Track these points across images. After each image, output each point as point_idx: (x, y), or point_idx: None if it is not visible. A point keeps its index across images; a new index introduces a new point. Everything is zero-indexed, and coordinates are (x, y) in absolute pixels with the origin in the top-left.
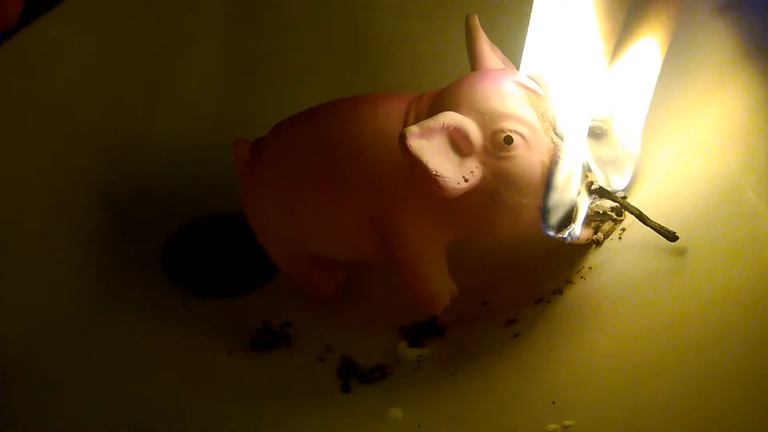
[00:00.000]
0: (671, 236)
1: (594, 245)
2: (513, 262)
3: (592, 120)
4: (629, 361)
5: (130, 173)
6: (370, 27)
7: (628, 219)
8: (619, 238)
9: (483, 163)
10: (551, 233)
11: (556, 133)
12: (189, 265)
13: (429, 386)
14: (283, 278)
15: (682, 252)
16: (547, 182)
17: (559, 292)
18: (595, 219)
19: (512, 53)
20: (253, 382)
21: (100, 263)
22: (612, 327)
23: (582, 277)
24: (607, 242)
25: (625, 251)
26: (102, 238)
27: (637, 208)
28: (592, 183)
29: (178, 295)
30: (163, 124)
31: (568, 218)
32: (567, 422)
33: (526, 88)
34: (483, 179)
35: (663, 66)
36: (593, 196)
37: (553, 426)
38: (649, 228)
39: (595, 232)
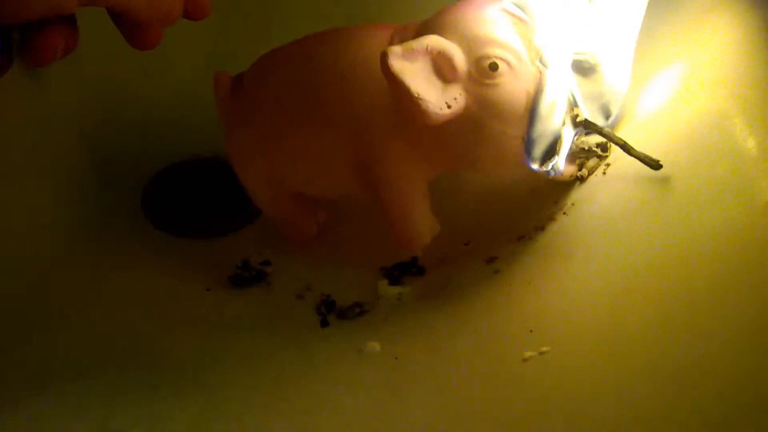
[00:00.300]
0: (655, 164)
1: (578, 182)
2: (496, 203)
3: (580, 54)
4: (608, 290)
5: (115, 119)
6: None
7: (613, 155)
8: (603, 173)
9: (467, 91)
10: (534, 166)
11: (541, 63)
12: (169, 207)
13: (408, 321)
14: (264, 221)
15: (667, 183)
16: (531, 112)
17: (540, 228)
18: (579, 156)
19: None
20: (232, 318)
21: (80, 205)
22: (592, 258)
23: (564, 213)
24: (591, 178)
25: (609, 185)
26: (84, 181)
27: (621, 139)
28: (577, 115)
29: (158, 236)
30: (150, 72)
31: (552, 150)
32: (543, 348)
33: (513, 15)
34: (466, 107)
35: None
36: (578, 129)
37: (530, 353)
38: (634, 162)
39: (580, 169)
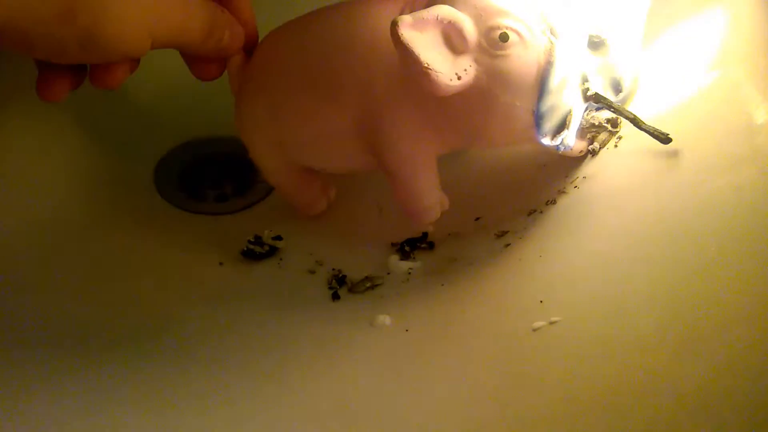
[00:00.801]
0: (664, 138)
1: (590, 155)
2: (506, 178)
3: (591, 28)
4: (619, 260)
5: (128, 97)
6: None
7: (625, 129)
8: (615, 146)
9: (477, 62)
10: (544, 140)
11: (552, 35)
12: (182, 184)
13: (418, 295)
14: (276, 198)
15: (678, 156)
16: (541, 84)
17: (552, 202)
18: (590, 131)
19: None
20: (243, 292)
21: (95, 181)
22: (603, 230)
23: (576, 186)
24: (602, 152)
25: (621, 159)
26: (97, 158)
27: (631, 112)
28: (588, 89)
29: (171, 212)
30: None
31: (562, 124)
32: (554, 319)
33: None
34: (476, 78)
35: None
36: (588, 103)
37: (540, 323)
38: (646, 135)
39: (590, 143)
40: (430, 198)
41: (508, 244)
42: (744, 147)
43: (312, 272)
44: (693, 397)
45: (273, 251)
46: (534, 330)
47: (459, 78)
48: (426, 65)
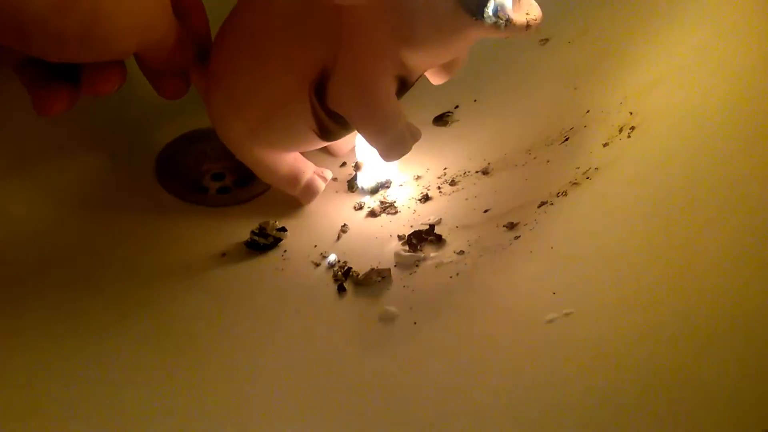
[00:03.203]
0: None
1: (603, 146)
2: (516, 172)
3: None
4: (634, 251)
5: (130, 86)
6: None
7: (639, 116)
8: (628, 136)
9: None
10: (476, 20)
11: None
12: (183, 176)
13: (426, 287)
14: (279, 190)
15: (692, 146)
16: None
17: (563, 194)
18: None
19: None
20: (247, 283)
21: (96, 172)
22: (618, 220)
23: (588, 178)
24: (616, 142)
25: (635, 148)
26: (99, 149)
27: None
28: None
29: (173, 204)
30: None
31: None
32: (567, 310)
33: None
34: None
35: None
36: None
37: (553, 315)
38: (660, 125)
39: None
40: (396, 125)
41: (518, 236)
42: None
43: (317, 265)
44: (713, 388)
45: (277, 242)
46: (548, 322)
47: None
48: None
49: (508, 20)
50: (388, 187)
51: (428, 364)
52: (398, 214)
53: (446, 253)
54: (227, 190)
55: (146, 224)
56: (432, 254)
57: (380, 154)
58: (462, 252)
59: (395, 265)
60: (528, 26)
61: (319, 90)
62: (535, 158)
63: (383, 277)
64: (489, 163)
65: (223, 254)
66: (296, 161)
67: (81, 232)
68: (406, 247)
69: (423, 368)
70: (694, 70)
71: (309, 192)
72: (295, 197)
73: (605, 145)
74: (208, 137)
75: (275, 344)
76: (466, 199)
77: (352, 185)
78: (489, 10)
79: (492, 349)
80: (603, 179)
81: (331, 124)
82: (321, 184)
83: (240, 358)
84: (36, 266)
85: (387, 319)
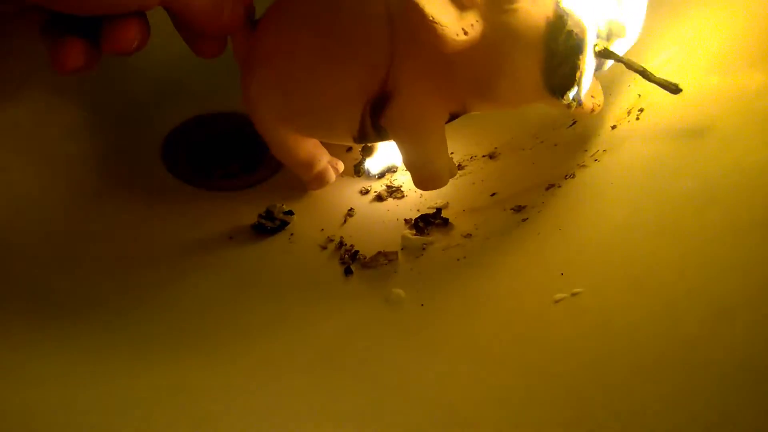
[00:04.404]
0: (674, 88)
1: (611, 129)
2: (523, 156)
3: None
4: (642, 229)
5: (134, 73)
6: None
7: (647, 100)
8: (637, 118)
9: (484, 17)
10: (554, 97)
11: None
12: (190, 160)
13: (434, 270)
14: (285, 175)
15: (707, 129)
16: (550, 40)
17: (571, 176)
18: None
19: None
20: (255, 266)
21: (103, 157)
22: (625, 199)
23: (596, 160)
24: (623, 124)
25: (643, 130)
26: (106, 129)
27: (640, 65)
28: (597, 44)
29: (179, 186)
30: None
31: (571, 80)
32: (575, 290)
33: None
34: (484, 34)
35: None
36: (598, 58)
37: (561, 295)
38: (668, 106)
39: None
40: (439, 163)
41: (525, 219)
42: None
43: (324, 248)
44: (725, 366)
45: (284, 226)
46: (556, 302)
47: (466, 33)
48: (431, 18)
49: (579, 103)
50: (394, 171)
51: (436, 346)
52: (405, 198)
53: (454, 237)
54: (234, 176)
55: (153, 207)
56: (439, 237)
57: (415, 182)
58: (469, 235)
59: (402, 249)
60: (592, 111)
61: (375, 105)
62: (542, 142)
63: (390, 260)
64: (496, 147)
65: (231, 237)
66: (315, 148)
67: (84, 212)
68: (413, 231)
69: (431, 350)
70: (702, 54)
71: (320, 180)
72: (303, 182)
73: (613, 127)
74: (215, 122)
75: (283, 327)
76: (473, 183)
77: (359, 169)
78: (570, 94)
79: (500, 331)
80: (611, 161)
81: (372, 135)
82: (332, 175)
83: (248, 341)
84: (46, 248)
85: (394, 301)
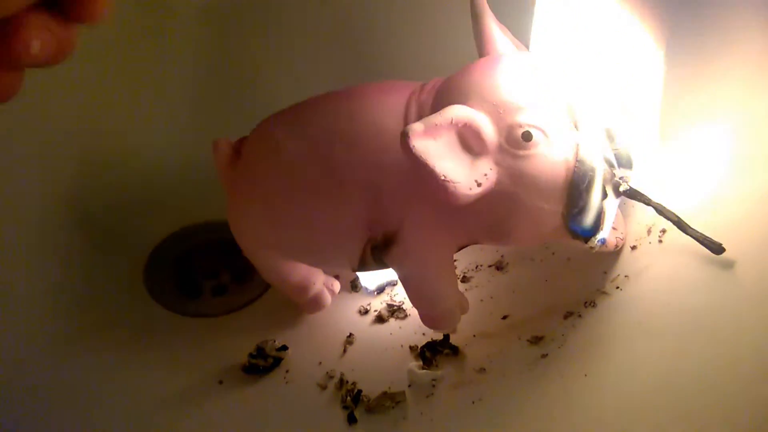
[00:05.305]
0: (717, 248)
1: (631, 250)
2: (534, 269)
3: (608, 120)
4: (684, 383)
5: (106, 187)
6: (364, 11)
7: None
8: (659, 241)
9: (498, 164)
10: (577, 241)
11: (577, 128)
12: (175, 277)
13: (446, 415)
14: (275, 293)
15: (731, 265)
16: (572, 185)
17: (592, 304)
18: None
19: (520, 35)
20: (248, 415)
21: (77, 283)
22: (656, 343)
23: (618, 287)
24: (645, 246)
25: (666, 256)
26: (79, 256)
27: (675, 214)
28: (620, 184)
29: (161, 314)
30: (141, 135)
31: (597, 224)
32: None
33: (545, 74)
34: (498, 182)
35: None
36: (621, 198)
37: None
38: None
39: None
40: (448, 301)
41: (545, 355)
42: None
43: (323, 387)
44: None
45: (277, 363)
46: None
47: (479, 185)
48: (443, 177)
49: (603, 242)
50: (394, 285)
51: None
52: (408, 318)
53: (465, 371)
54: (224, 290)
55: (137, 347)
56: (449, 371)
57: (424, 322)
58: (483, 370)
59: (409, 385)
60: (616, 246)
61: (377, 245)
62: (553, 254)
63: (398, 402)
64: (502, 255)
65: (221, 382)
66: (309, 271)
67: (54, 346)
68: (420, 362)
69: None
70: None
71: (315, 304)
72: (298, 306)
73: (633, 248)
74: (201, 232)
75: None
76: (481, 300)
77: (355, 284)
78: (596, 240)
79: None
80: (636, 291)
81: (373, 266)
82: (328, 298)
83: None
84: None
85: None
